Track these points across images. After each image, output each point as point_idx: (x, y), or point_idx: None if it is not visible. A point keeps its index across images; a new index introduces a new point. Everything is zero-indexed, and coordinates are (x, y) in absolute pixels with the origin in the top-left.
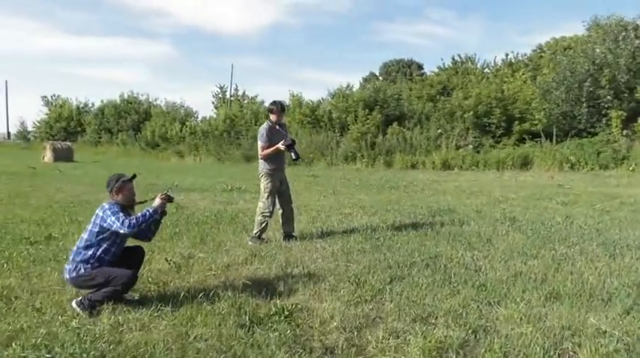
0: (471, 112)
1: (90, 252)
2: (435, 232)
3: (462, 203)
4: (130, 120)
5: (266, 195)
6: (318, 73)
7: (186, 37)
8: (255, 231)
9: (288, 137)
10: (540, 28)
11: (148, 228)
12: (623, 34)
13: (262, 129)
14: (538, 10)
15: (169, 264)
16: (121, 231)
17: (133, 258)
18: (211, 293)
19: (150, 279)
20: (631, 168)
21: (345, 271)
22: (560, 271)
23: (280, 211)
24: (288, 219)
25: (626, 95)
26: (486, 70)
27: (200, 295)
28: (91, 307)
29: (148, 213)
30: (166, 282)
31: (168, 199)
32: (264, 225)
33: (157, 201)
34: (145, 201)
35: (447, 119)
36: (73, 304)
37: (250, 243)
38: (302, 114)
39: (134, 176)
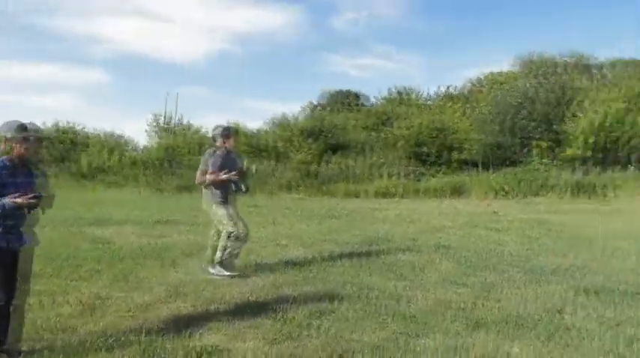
0: (411, 142)
1: None
2: (370, 262)
3: (400, 231)
4: (63, 149)
5: (226, 220)
6: (259, 102)
7: (126, 65)
8: (219, 256)
9: (240, 166)
10: (479, 63)
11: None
12: (550, 70)
13: (217, 155)
14: (476, 46)
15: (83, 305)
16: None
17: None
18: (123, 338)
19: (57, 325)
20: (560, 196)
21: (273, 306)
22: (489, 299)
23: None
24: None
25: (554, 126)
26: (428, 101)
27: (111, 340)
28: None
29: None
30: (75, 327)
31: (33, 203)
32: (236, 251)
33: (13, 199)
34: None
35: (389, 148)
36: None
37: (213, 271)
38: (242, 144)
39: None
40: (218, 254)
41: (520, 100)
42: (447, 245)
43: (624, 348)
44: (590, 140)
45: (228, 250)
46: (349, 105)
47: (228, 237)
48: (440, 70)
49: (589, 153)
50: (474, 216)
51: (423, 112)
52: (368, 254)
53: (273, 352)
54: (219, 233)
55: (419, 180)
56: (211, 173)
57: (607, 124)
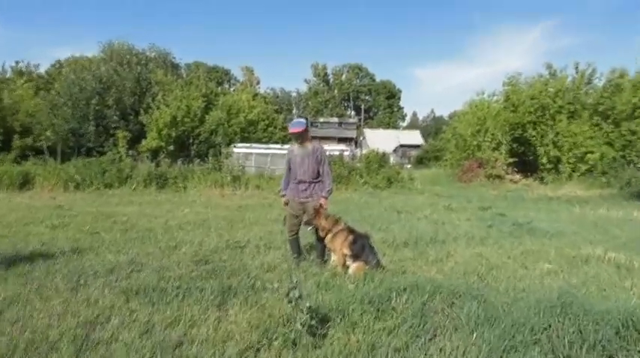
0: None
1: None
2: None
3: None
4: None
5: None
6: None
7: None
8: None
9: None
10: (67, 43)
11: None
12: (133, 59)
13: None
14: (61, 25)
15: None
16: None
17: None
18: None
19: None
20: (133, 187)
21: None
22: (1, 321)
23: None
24: None
25: (131, 117)
26: None
27: None
28: None
29: None
30: None
31: None
32: None
33: None
34: None
35: None
36: None
37: None
38: None
39: None
40: None
41: (102, 86)
42: None
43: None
44: (165, 132)
45: None
46: None
47: None
48: (22, 43)
49: (163, 145)
50: (33, 210)
51: None
52: None
53: None
54: None
55: None
56: None
57: (187, 119)
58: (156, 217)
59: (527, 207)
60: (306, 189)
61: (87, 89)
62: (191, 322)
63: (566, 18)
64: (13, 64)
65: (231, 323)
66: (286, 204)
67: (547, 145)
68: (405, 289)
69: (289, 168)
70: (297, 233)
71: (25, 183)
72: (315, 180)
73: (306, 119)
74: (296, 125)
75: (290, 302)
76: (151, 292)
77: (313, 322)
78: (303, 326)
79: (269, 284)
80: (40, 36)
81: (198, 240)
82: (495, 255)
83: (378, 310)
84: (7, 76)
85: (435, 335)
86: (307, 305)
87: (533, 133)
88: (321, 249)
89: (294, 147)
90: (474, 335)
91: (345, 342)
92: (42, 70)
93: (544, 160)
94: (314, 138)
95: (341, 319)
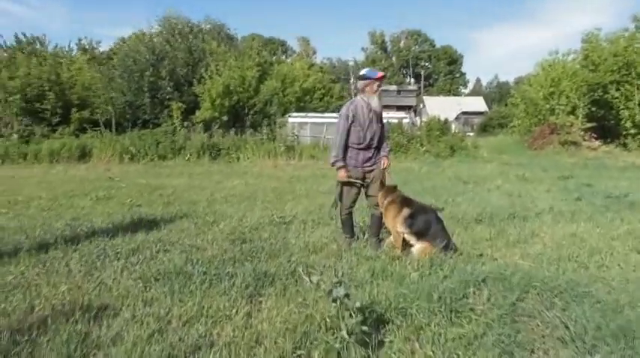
0: (18, 95)
1: None
2: None
3: None
4: None
5: None
6: None
7: None
8: None
9: None
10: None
11: None
12: (185, 29)
13: None
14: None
15: None
16: None
17: None
18: None
19: None
20: (186, 158)
21: None
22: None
23: None
24: None
25: (185, 88)
26: (58, 51)
27: None
28: None
29: None
30: None
31: None
32: None
33: None
34: None
35: None
36: None
37: None
38: None
39: None
40: None
41: (155, 57)
42: (3, 226)
43: None
44: (218, 102)
45: None
46: None
47: None
48: (87, 24)
49: (217, 116)
50: (84, 183)
51: (44, 64)
52: None
53: None
54: None
55: (27, 142)
56: None
57: (240, 89)
58: (203, 189)
59: (614, 177)
60: (371, 157)
61: (141, 61)
62: (214, 318)
63: None
64: (77, 42)
65: (263, 321)
66: (349, 178)
67: (632, 108)
68: (484, 281)
69: (349, 130)
70: (351, 209)
71: (83, 155)
72: (379, 144)
73: None
74: (373, 71)
75: (334, 301)
76: (174, 278)
77: (364, 327)
78: (351, 335)
79: (306, 275)
80: (105, 16)
81: (240, 214)
82: (594, 235)
83: (451, 311)
84: (74, 53)
85: (533, 351)
86: (357, 305)
87: (616, 94)
88: (376, 225)
89: (369, 100)
90: (597, 357)
91: (407, 356)
92: (106, 48)
93: (628, 124)
94: None
95: (402, 321)
